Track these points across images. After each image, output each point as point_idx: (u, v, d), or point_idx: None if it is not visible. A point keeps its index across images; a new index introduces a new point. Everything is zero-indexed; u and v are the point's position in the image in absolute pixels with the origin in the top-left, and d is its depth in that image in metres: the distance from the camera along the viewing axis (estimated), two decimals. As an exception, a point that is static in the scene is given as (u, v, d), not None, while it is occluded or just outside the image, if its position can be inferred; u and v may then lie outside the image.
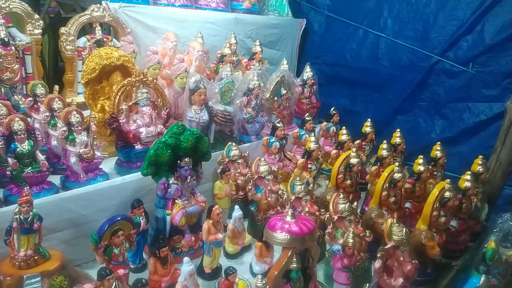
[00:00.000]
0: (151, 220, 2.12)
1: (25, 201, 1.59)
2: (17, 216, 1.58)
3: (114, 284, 1.58)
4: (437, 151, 2.85)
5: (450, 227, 2.45)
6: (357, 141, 3.11)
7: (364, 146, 3.16)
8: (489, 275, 2.07)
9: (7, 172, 1.89)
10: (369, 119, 3.28)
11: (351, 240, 1.89)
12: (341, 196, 2.19)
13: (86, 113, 2.28)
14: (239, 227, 2.25)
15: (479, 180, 2.65)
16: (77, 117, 2.07)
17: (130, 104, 2.32)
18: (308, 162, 2.73)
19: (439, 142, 2.92)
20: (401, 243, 1.88)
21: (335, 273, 1.95)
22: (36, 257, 1.65)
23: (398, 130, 3.19)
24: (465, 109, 4.09)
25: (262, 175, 2.47)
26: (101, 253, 1.73)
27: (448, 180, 2.25)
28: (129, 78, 2.31)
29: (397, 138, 3.09)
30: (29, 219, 1.61)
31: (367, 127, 3.20)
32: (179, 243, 2.17)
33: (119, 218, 1.79)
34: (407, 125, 4.41)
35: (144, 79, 2.34)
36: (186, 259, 1.76)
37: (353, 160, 2.53)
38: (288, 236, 1.65)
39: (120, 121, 2.26)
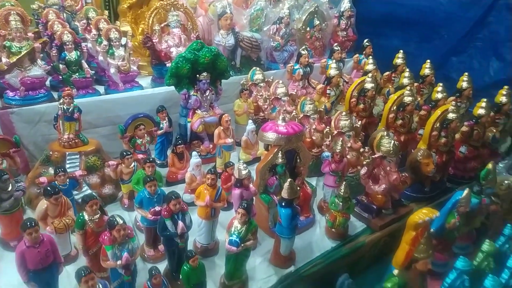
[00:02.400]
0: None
1: (67, 94, 2.01)
2: (61, 106, 2.01)
3: (133, 163, 1.97)
4: (503, 96, 2.61)
5: (459, 153, 2.49)
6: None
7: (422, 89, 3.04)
8: (482, 194, 2.14)
9: (59, 77, 2.34)
10: (428, 61, 3.13)
11: (339, 147, 2.07)
12: (344, 113, 2.34)
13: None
14: (252, 139, 2.53)
15: (502, 111, 2.59)
16: (116, 34, 2.43)
17: (162, 25, 2.62)
18: (328, 88, 2.86)
19: (506, 86, 2.67)
20: (388, 154, 2.02)
21: (325, 177, 2.16)
22: (76, 141, 2.09)
23: (466, 74, 2.97)
24: (524, 50, 3.83)
25: (278, 96, 2.68)
26: (127, 141, 2.13)
27: (453, 102, 2.26)
28: (161, 1, 2.59)
29: (463, 82, 2.88)
30: (70, 109, 2.03)
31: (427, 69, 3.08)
32: (198, 147, 2.52)
33: (141, 115, 2.16)
34: (460, 66, 4.24)
35: (174, 3, 2.61)
36: (194, 152, 2.10)
37: (407, 99, 2.41)
38: (276, 135, 1.88)
39: (153, 40, 2.58)
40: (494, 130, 2.57)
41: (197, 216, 1.79)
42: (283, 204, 1.67)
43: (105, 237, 1.40)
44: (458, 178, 2.52)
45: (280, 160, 1.90)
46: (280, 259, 1.80)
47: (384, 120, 2.47)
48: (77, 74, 2.35)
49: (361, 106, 2.63)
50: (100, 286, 1.24)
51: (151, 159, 1.79)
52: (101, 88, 2.56)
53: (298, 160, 2.03)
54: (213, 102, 2.51)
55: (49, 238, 1.40)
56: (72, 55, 2.31)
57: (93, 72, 2.41)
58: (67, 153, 2.03)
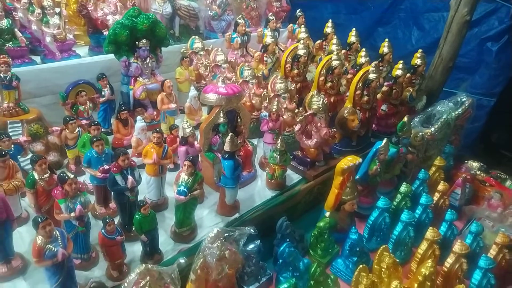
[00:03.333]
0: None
1: (3, 62, 1.99)
2: (-2, 74, 1.99)
3: (77, 129, 2.01)
4: (417, 59, 2.90)
5: (381, 110, 2.81)
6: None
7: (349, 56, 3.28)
8: (399, 144, 2.46)
9: (-10, 46, 2.28)
10: (354, 29, 3.36)
11: (275, 107, 2.27)
12: (279, 77, 2.54)
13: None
14: (195, 105, 2.64)
15: (417, 73, 2.94)
16: (49, 2, 2.39)
17: (97, -7, 2.60)
18: (264, 55, 3.03)
19: (420, 50, 2.96)
20: (318, 111, 2.25)
21: (264, 135, 2.36)
22: (17, 109, 2.08)
23: (387, 39, 3.24)
24: (440, 19, 4.25)
25: (218, 63, 2.80)
26: (69, 108, 2.16)
27: (373, 64, 2.54)
28: (95, -30, 2.57)
29: (384, 47, 3.16)
30: (8, 77, 2.01)
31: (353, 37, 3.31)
32: (142, 115, 2.58)
33: (82, 82, 2.19)
34: (386, 36, 4.59)
35: (109, -29, 2.60)
36: (138, 117, 2.18)
37: (335, 63, 2.60)
38: (216, 96, 2.03)
39: (88, 8, 2.56)
40: (411, 90, 2.91)
41: (146, 174, 1.91)
42: (226, 156, 1.84)
43: (57, 191, 1.48)
44: (381, 133, 2.83)
45: (221, 120, 2.05)
46: (225, 208, 1.98)
47: (315, 82, 2.69)
48: (10, 43, 2.29)
49: (295, 71, 2.83)
50: (57, 232, 1.33)
51: (96, 122, 1.85)
52: (37, 58, 2.50)
53: (239, 120, 2.20)
54: (154, 70, 2.57)
55: (0, 196, 1.45)
56: (3, 23, 2.25)
57: (27, 42, 2.36)
58: (8, 121, 2.02)
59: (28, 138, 1.92)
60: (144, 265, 1.34)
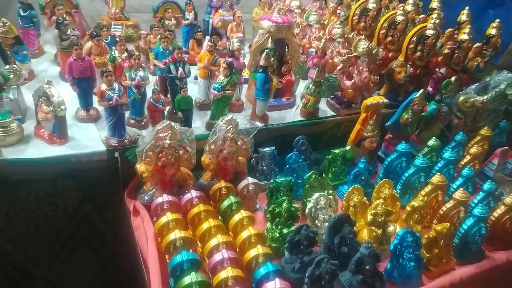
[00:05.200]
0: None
1: (117, -24, 2.59)
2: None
3: (159, 35, 2.54)
4: (493, 29, 2.77)
5: (438, 73, 2.80)
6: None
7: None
8: (441, 103, 2.50)
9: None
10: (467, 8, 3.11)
11: (321, 44, 2.50)
12: (338, 22, 2.74)
13: None
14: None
15: (490, 43, 2.82)
16: None
17: None
18: (338, 8, 3.21)
19: (498, 20, 2.81)
20: (362, 54, 2.42)
21: (309, 71, 2.62)
22: (120, 15, 2.70)
23: (498, 20, 2.84)
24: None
25: (291, 8, 3.10)
26: (157, 21, 2.70)
27: (432, 21, 2.56)
28: None
29: (493, 29, 2.78)
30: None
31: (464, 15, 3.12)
32: (217, 42, 3.04)
33: (170, 1, 2.72)
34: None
35: None
36: (207, 37, 2.63)
37: (399, 18, 2.64)
38: (268, 23, 2.35)
39: None
40: (479, 60, 2.82)
41: (199, 77, 2.36)
42: (260, 70, 2.18)
43: (126, 63, 2.01)
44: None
45: (269, 45, 2.38)
46: (255, 118, 2.33)
47: (376, 35, 2.81)
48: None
49: (362, 24, 2.97)
50: (117, 85, 1.85)
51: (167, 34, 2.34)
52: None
53: (287, 50, 2.50)
54: (234, 5, 2.99)
55: (89, 59, 2.03)
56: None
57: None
58: (112, 23, 2.65)
59: (123, 34, 2.49)
60: (166, 121, 1.78)
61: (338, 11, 3.20)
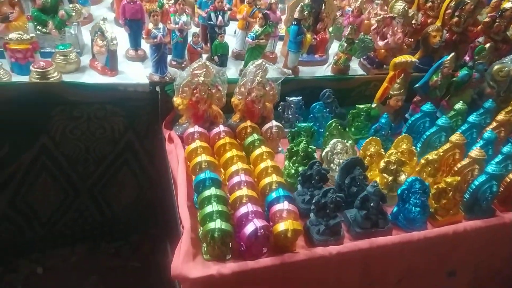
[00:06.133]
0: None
1: None
2: None
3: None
4: None
5: (476, 42, 2.77)
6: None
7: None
8: (473, 69, 2.50)
9: None
10: None
11: (358, 4, 2.57)
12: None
13: None
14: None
15: (538, 17, 2.73)
16: None
17: None
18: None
19: None
20: (397, 14, 2.47)
21: (345, 29, 2.70)
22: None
23: None
24: None
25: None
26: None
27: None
28: None
29: None
30: None
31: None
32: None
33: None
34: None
35: None
36: (249, -7, 2.78)
37: None
38: (306, -20, 2.46)
39: None
40: (522, 32, 2.76)
41: (237, 28, 2.54)
42: (293, 23, 2.31)
43: (172, 8, 2.22)
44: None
45: (306, 1, 2.49)
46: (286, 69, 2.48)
47: (441, 14, 2.74)
48: None
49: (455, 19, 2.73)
50: (161, 25, 2.07)
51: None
52: None
53: (323, 8, 2.59)
54: (278, -35, 3.09)
55: (140, 3, 2.26)
56: None
57: None
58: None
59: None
60: (202, 59, 1.98)
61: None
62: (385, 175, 1.99)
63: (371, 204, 1.76)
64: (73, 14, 2.20)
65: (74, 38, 2.22)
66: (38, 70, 1.93)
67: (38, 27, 2.16)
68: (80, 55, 2.23)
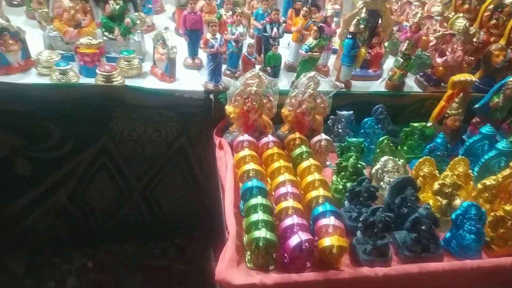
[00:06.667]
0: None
1: None
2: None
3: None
4: None
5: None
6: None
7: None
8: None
9: None
10: None
11: (417, 19, 2.51)
12: (439, 1, 2.69)
13: None
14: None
15: None
16: None
17: None
18: None
19: None
20: (458, 32, 2.38)
21: (401, 44, 2.64)
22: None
23: None
24: None
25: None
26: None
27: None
28: None
29: None
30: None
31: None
32: (314, 14, 3.19)
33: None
34: None
35: None
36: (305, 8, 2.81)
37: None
38: (364, -7, 2.44)
39: None
40: None
41: (291, 40, 2.56)
42: (348, 36, 2.30)
43: (229, 19, 2.29)
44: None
45: (363, 15, 2.47)
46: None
47: (479, 16, 2.68)
48: None
49: (493, 22, 2.67)
50: (219, 35, 2.14)
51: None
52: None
53: (380, 22, 2.56)
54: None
55: (200, 14, 2.36)
56: None
57: None
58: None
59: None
60: (255, 70, 2.02)
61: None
62: (438, 198, 1.91)
63: (423, 227, 1.69)
64: (138, 22, 2.34)
65: (137, 45, 2.35)
66: (103, 73, 2.06)
67: (105, 33, 2.31)
68: (142, 61, 2.36)
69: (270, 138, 2.07)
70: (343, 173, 1.97)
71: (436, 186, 1.91)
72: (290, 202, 1.70)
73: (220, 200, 1.94)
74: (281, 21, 2.37)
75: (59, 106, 2.06)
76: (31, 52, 2.20)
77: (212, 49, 2.12)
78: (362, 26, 2.26)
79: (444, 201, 1.90)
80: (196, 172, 2.53)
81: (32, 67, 2.18)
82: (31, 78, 2.13)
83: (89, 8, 2.27)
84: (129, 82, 2.18)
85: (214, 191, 2.15)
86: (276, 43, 2.28)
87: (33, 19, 2.68)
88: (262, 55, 2.49)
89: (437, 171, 2.03)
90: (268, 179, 1.97)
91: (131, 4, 2.34)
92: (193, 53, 2.43)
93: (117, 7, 2.26)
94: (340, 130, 2.32)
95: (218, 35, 2.14)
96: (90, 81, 2.12)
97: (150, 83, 2.24)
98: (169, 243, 2.86)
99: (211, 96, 2.21)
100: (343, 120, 2.30)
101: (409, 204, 1.83)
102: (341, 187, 1.96)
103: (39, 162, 2.26)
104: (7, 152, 2.18)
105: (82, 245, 2.77)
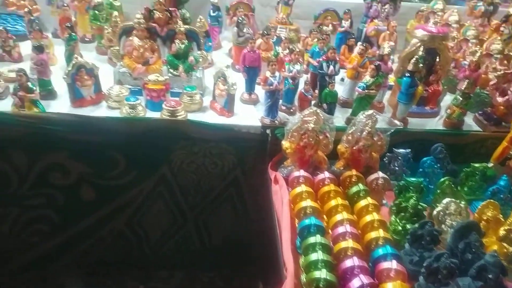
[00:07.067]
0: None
1: (289, -14, 3.01)
2: (283, -7, 3.04)
3: (315, 39, 2.86)
4: None
5: None
6: None
7: None
8: None
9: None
10: None
11: (476, 58, 2.46)
12: (498, 38, 2.64)
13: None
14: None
15: None
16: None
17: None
18: (503, 25, 3.05)
19: None
20: (522, 71, 2.32)
21: (460, 82, 2.59)
22: (285, 21, 3.11)
23: None
24: None
25: (449, 22, 3.08)
26: (316, 26, 3.03)
27: None
28: None
29: None
30: (288, -3, 3.04)
31: None
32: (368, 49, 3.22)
33: (331, 9, 3.01)
34: None
35: None
36: (359, 43, 2.85)
37: None
38: (422, 32, 2.45)
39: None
40: None
41: (345, 77, 2.60)
42: (406, 74, 2.30)
43: (287, 58, 2.37)
44: None
45: (420, 53, 2.47)
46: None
47: None
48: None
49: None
50: (278, 74, 2.21)
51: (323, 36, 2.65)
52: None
53: (437, 60, 2.54)
54: (389, 16, 3.14)
55: (259, 52, 2.46)
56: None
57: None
58: (278, 26, 3.09)
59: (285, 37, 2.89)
60: (313, 107, 2.06)
61: (502, 28, 3.05)
62: (505, 244, 1.82)
63: (489, 276, 1.61)
64: (200, 60, 2.47)
65: (199, 81, 2.48)
66: (169, 108, 2.19)
67: (170, 70, 2.46)
68: (202, 96, 2.47)
69: (326, 174, 2.08)
70: (403, 213, 1.93)
71: (502, 232, 1.83)
72: (350, 243, 1.69)
73: (273, 234, 1.96)
74: (337, 59, 2.41)
75: (127, 137, 2.19)
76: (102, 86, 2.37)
77: (271, 87, 2.19)
78: (421, 65, 2.25)
79: (511, 248, 1.80)
80: (247, 204, 2.57)
81: (103, 100, 2.34)
82: (102, 110, 2.30)
83: (156, 47, 2.43)
84: (191, 116, 2.29)
85: (265, 224, 2.17)
86: (333, 81, 2.32)
87: (103, 54, 2.91)
88: (316, 91, 2.54)
89: (501, 216, 1.95)
90: (324, 216, 1.97)
91: (195, 43, 2.48)
92: (250, 88, 2.52)
93: (182, 46, 2.41)
94: (397, 168, 2.29)
95: (277, 73, 2.21)
96: (156, 115, 2.25)
97: (210, 117, 2.34)
98: (217, 273, 2.89)
99: (268, 131, 2.27)
100: (400, 158, 2.27)
101: (473, 250, 1.75)
102: (400, 228, 1.92)
103: (103, 189, 2.39)
104: (75, 178, 2.33)
105: (134, 269, 2.85)
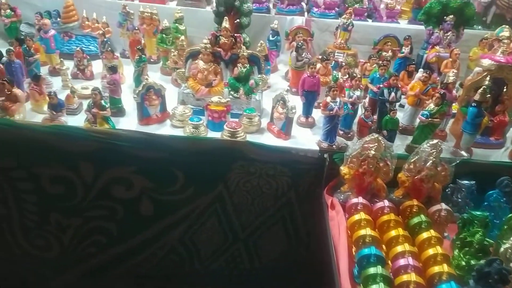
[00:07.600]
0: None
1: (348, 12, 3.04)
2: (341, 19, 3.07)
3: (374, 65, 2.85)
4: None
5: None
6: None
7: None
8: None
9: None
10: None
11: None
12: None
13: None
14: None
15: None
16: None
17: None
18: None
19: None
20: None
21: (529, 114, 2.47)
22: (344, 45, 3.13)
23: None
24: None
25: None
26: (375, 52, 3.02)
27: None
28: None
29: None
30: (347, 22, 3.06)
31: None
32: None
33: (391, 35, 3.01)
34: None
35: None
36: (420, 69, 2.80)
37: None
38: (489, 62, 2.37)
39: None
40: None
41: (406, 104, 2.55)
42: (473, 104, 2.22)
43: (347, 83, 2.38)
44: None
45: (486, 83, 2.38)
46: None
47: None
48: (357, 4, 3.36)
49: None
50: (339, 100, 2.22)
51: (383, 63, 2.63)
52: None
53: (505, 90, 2.44)
54: (451, 43, 3.07)
55: (318, 77, 2.49)
56: (358, -9, 3.33)
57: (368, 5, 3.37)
58: (336, 51, 3.11)
59: (343, 61, 2.90)
60: (375, 134, 2.04)
61: None
62: None
63: None
64: (260, 83, 2.53)
65: (257, 104, 2.54)
66: (230, 129, 2.26)
67: (231, 92, 2.54)
68: (260, 118, 2.52)
69: (386, 203, 2.03)
70: (467, 248, 1.84)
71: None
72: (412, 276, 1.63)
73: (331, 262, 1.92)
74: (399, 86, 2.38)
75: (188, 155, 2.28)
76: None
77: (332, 112, 2.20)
78: (488, 95, 2.17)
79: None
80: (299, 227, 2.56)
81: (167, 119, 2.46)
82: (166, 129, 2.41)
83: (219, 70, 2.53)
84: (249, 137, 2.34)
85: (319, 249, 2.14)
86: (394, 107, 2.29)
87: (167, 75, 3.07)
88: (375, 117, 2.51)
89: None
90: (384, 246, 1.92)
91: (256, 67, 2.56)
92: (307, 112, 2.55)
93: (244, 69, 2.50)
94: (460, 200, 2.19)
95: (337, 99, 2.22)
96: (216, 135, 2.33)
97: (267, 139, 2.38)
98: (264, 294, 2.87)
99: (326, 155, 2.27)
100: (463, 189, 2.17)
101: (547, 293, 1.63)
102: (463, 263, 1.82)
103: (161, 204, 2.48)
104: (137, 192, 2.44)
105: (182, 285, 2.90)
